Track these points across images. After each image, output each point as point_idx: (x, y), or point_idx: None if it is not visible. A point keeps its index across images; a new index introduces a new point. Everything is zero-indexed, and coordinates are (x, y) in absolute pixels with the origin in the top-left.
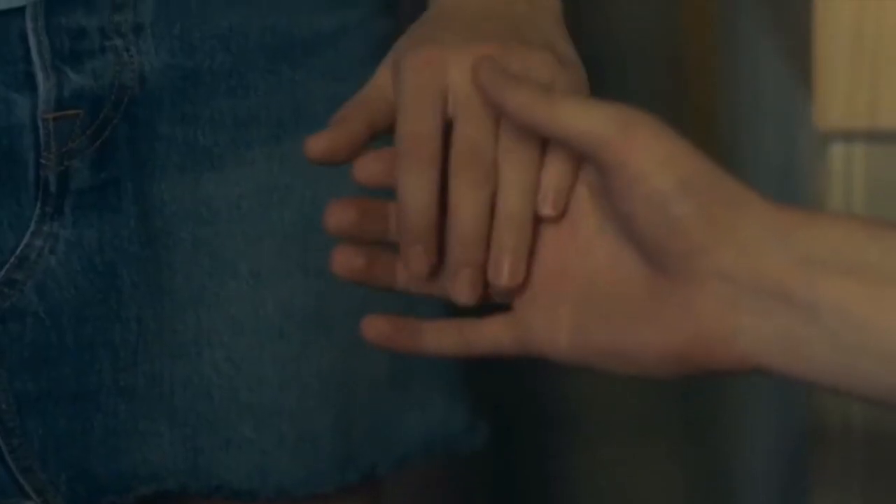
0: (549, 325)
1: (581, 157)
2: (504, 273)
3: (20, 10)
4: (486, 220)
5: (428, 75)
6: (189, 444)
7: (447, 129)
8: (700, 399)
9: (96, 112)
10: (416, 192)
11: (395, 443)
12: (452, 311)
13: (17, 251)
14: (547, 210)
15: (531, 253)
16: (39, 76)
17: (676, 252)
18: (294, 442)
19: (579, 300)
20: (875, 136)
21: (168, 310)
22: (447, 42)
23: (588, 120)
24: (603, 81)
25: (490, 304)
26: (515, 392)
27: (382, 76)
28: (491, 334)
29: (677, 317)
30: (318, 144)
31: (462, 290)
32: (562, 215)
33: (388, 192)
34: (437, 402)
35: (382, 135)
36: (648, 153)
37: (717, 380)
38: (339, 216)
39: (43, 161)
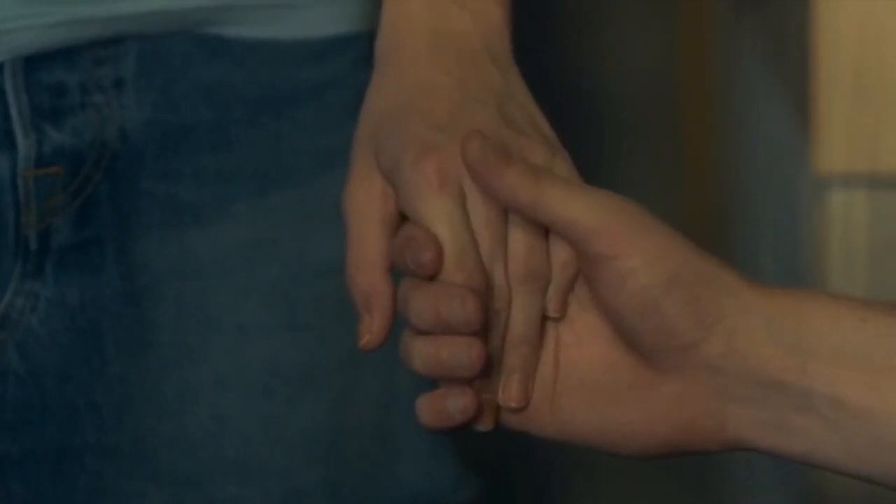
0: (534, 403)
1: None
2: (513, 394)
3: None
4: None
5: (447, 193)
6: (174, 503)
7: None
8: None
9: (77, 169)
10: (529, 312)
11: (384, 498)
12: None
13: None
14: (552, 313)
15: None
16: (18, 133)
17: (666, 346)
18: (281, 499)
19: (566, 383)
20: (876, 182)
21: (152, 368)
22: (444, 145)
23: (575, 208)
24: (598, 125)
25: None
26: (509, 442)
27: (369, 193)
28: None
29: (666, 407)
30: (371, 344)
31: (516, 395)
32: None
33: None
34: (426, 456)
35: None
36: (636, 248)
37: None
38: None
39: (23, 219)
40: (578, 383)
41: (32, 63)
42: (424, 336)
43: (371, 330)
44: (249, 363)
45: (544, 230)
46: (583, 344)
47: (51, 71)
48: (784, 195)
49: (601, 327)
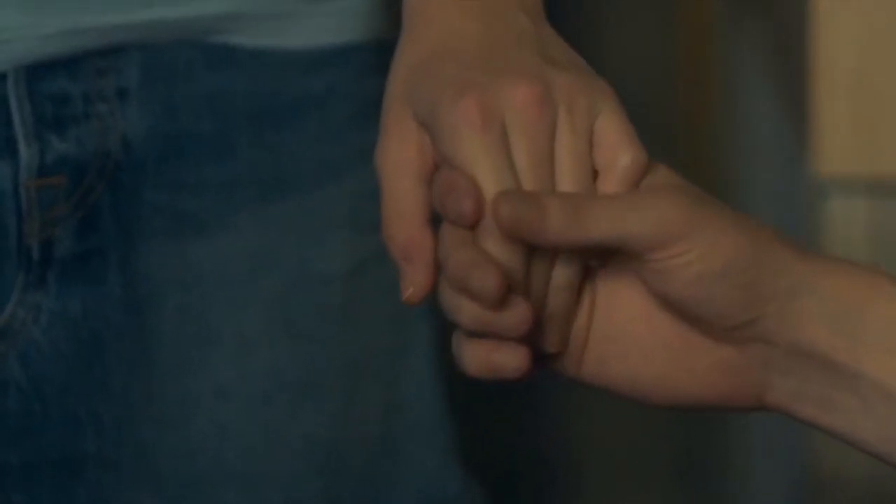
0: (575, 351)
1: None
2: (554, 338)
3: (2, 77)
4: None
5: (490, 132)
6: None
7: None
8: (700, 450)
9: (79, 179)
10: (573, 257)
11: None
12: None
13: (0, 322)
14: (594, 262)
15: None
16: (21, 143)
17: (716, 325)
18: None
19: (599, 331)
20: (876, 187)
21: (154, 378)
22: (483, 83)
23: (624, 227)
24: None
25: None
26: (514, 449)
27: (403, 146)
28: None
29: (707, 371)
30: (415, 297)
31: (556, 340)
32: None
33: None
34: (430, 466)
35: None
36: (690, 243)
37: (718, 432)
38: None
39: (25, 229)
40: (613, 332)
41: (35, 72)
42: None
43: (414, 282)
44: (250, 372)
45: (592, 173)
46: (620, 293)
47: (54, 80)
48: (783, 199)
49: (650, 299)
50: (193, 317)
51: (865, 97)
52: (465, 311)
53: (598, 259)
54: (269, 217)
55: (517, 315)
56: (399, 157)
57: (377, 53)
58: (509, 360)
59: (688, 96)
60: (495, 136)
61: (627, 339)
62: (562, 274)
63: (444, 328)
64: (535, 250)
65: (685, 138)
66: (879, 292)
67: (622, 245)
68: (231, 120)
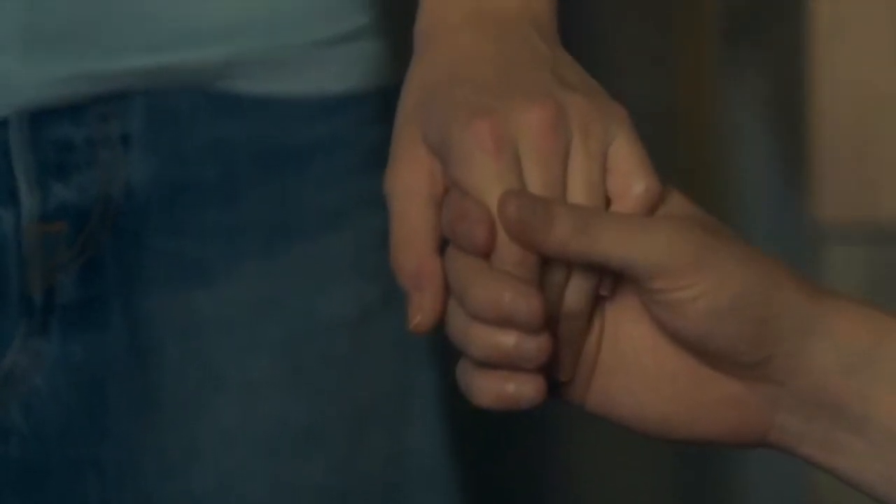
0: (582, 381)
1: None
2: (565, 367)
3: (3, 122)
4: None
5: (503, 157)
6: None
7: None
8: (699, 485)
9: (82, 226)
10: (585, 285)
11: None
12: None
13: (2, 370)
14: (604, 291)
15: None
16: (23, 190)
17: (724, 362)
18: None
19: (606, 361)
20: (874, 234)
21: (157, 425)
22: (496, 106)
23: (632, 249)
24: None
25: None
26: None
27: (414, 170)
28: None
29: (712, 407)
30: (423, 325)
31: (566, 369)
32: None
33: None
34: None
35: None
36: (699, 277)
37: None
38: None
39: (27, 276)
40: (620, 363)
41: (38, 118)
42: (482, 324)
43: (423, 308)
44: (255, 421)
45: (605, 201)
46: (628, 324)
47: (57, 126)
48: (782, 245)
49: (657, 333)
50: (197, 364)
51: (864, 143)
52: (478, 340)
53: (607, 289)
54: (273, 264)
55: (538, 343)
56: (409, 181)
57: (382, 101)
58: (526, 390)
59: (687, 141)
60: (508, 161)
61: (634, 370)
62: (573, 301)
63: (447, 371)
64: (547, 277)
65: (684, 184)
66: (891, 335)
67: (627, 268)
68: (235, 166)
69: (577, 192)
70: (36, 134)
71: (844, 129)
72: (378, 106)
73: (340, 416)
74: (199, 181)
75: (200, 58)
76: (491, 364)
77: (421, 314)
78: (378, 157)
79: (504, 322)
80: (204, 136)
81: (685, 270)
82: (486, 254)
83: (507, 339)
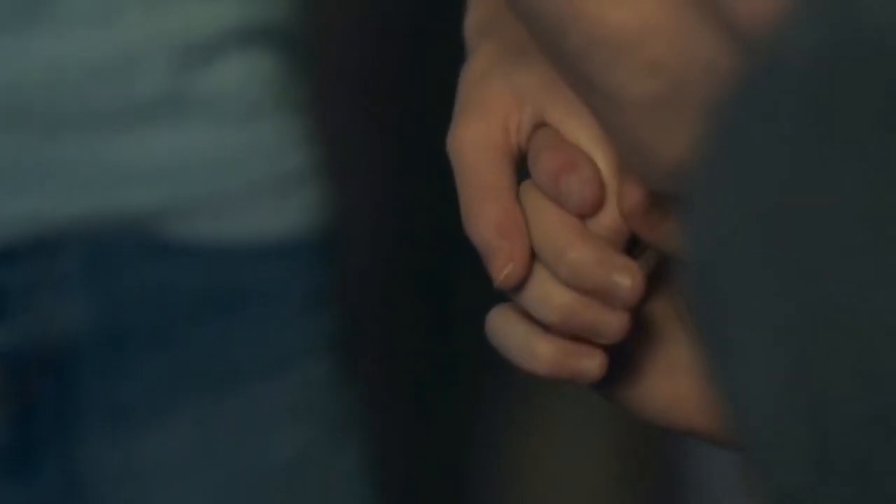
0: (619, 372)
1: None
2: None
3: None
4: None
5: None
6: None
7: None
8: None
9: (18, 371)
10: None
11: None
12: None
13: None
14: None
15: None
16: None
17: None
18: None
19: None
20: None
21: None
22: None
23: None
24: None
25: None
26: None
27: (489, 124)
28: None
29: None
30: (513, 276)
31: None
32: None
33: None
34: None
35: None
36: None
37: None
38: None
39: None
40: (663, 361)
41: None
42: (567, 289)
43: (514, 257)
44: None
45: None
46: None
47: None
48: None
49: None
50: None
51: None
52: (560, 305)
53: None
54: (211, 410)
55: (621, 321)
56: (484, 135)
57: (322, 245)
58: (593, 365)
59: None
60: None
61: (677, 368)
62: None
63: None
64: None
65: None
66: None
67: None
68: (174, 311)
69: None
70: None
71: None
72: (318, 251)
73: None
74: (136, 326)
75: (137, 202)
76: (563, 332)
77: (513, 262)
78: (317, 302)
79: (599, 293)
80: (141, 280)
81: None
82: (591, 215)
83: (593, 311)
